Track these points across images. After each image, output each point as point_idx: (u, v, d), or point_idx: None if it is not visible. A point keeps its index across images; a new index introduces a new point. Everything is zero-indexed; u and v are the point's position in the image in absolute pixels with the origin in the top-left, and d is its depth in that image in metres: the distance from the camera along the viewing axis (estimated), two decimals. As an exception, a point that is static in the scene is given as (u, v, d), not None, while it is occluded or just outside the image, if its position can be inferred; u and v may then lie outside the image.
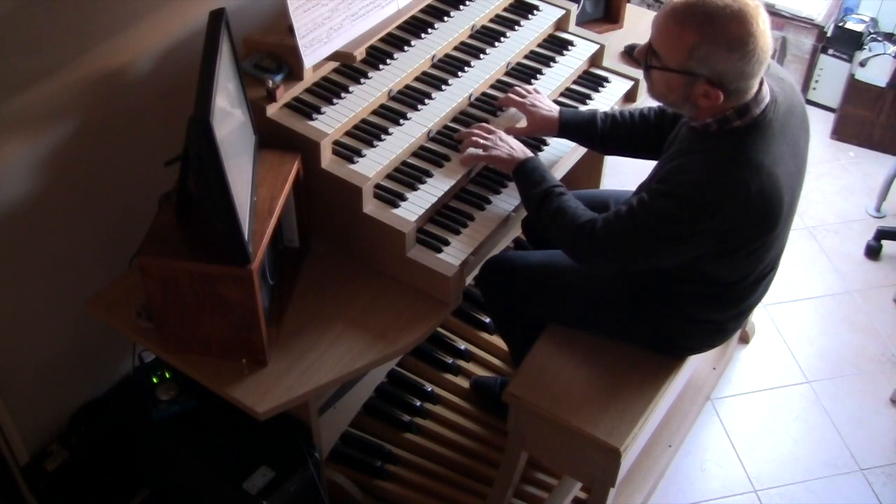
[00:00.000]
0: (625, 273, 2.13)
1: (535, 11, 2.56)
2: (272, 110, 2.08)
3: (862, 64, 3.68)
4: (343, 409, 2.53)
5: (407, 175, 2.15)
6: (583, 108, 2.41)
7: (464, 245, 2.09)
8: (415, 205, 2.09)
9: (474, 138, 2.17)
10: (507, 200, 2.21)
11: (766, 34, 1.76)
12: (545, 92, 2.40)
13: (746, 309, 2.16)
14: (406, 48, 2.31)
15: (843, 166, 3.77)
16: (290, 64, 2.12)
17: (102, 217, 2.19)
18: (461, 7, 2.45)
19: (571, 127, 2.26)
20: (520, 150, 2.14)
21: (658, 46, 1.83)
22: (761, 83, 1.85)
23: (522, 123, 2.30)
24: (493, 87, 2.40)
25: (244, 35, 2.16)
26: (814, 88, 3.92)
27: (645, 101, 2.64)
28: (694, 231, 1.83)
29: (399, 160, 2.16)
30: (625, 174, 3.42)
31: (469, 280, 2.15)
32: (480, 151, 2.15)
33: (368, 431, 2.62)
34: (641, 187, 2.09)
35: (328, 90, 2.16)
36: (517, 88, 2.33)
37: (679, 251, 1.89)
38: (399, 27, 2.33)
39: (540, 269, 2.23)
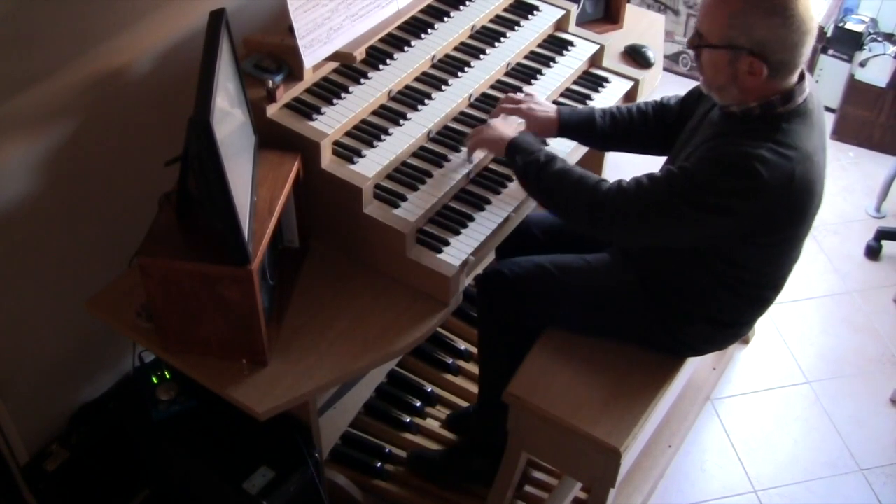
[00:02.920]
0: (644, 270, 2.11)
1: (535, 12, 2.56)
2: (272, 110, 2.09)
3: (862, 64, 3.68)
4: (343, 409, 2.53)
5: (407, 175, 2.15)
6: (581, 106, 2.40)
7: (464, 245, 2.09)
8: (415, 205, 2.09)
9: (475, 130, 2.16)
10: (507, 200, 2.21)
11: (806, 3, 1.76)
12: (546, 92, 2.41)
13: (765, 308, 2.16)
14: (406, 48, 2.31)
15: (843, 166, 3.77)
16: (290, 64, 2.12)
17: (102, 217, 2.19)
18: (461, 7, 2.45)
19: (571, 126, 2.24)
20: (513, 130, 2.10)
21: (701, 26, 1.84)
22: (802, 75, 1.85)
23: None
24: (493, 87, 2.40)
25: (244, 35, 2.16)
26: (814, 89, 3.92)
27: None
28: (730, 205, 1.80)
29: (399, 160, 2.16)
30: (625, 174, 3.41)
31: (469, 280, 2.15)
32: (473, 137, 2.12)
33: (368, 431, 2.62)
34: None
35: (328, 90, 2.17)
36: (510, 95, 2.31)
37: (712, 223, 1.84)
38: (399, 27, 2.34)
39: (541, 270, 2.22)
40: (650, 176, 1.90)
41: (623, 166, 3.42)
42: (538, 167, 1.99)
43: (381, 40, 2.29)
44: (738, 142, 1.81)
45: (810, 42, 1.80)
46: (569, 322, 2.21)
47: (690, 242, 1.94)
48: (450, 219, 2.15)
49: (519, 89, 2.39)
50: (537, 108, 2.25)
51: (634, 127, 2.21)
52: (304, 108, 2.11)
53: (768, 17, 1.74)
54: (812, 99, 1.88)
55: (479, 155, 2.20)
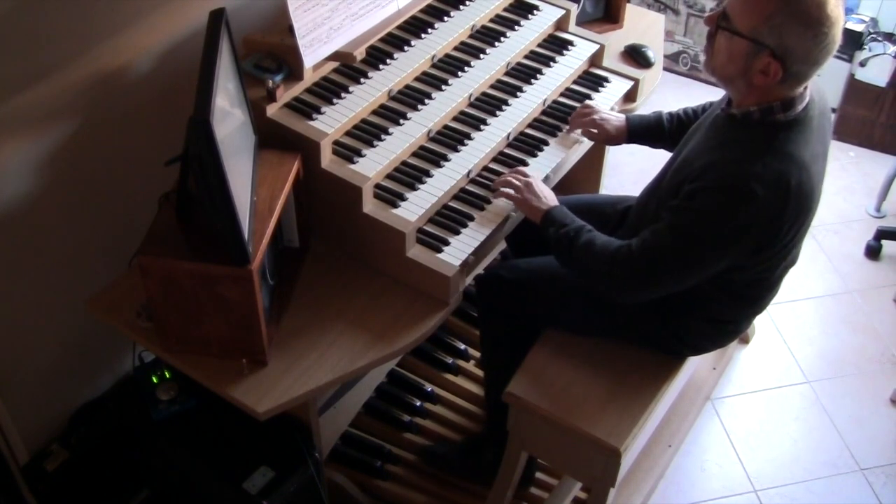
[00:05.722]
0: None
1: (535, 11, 2.56)
2: (272, 110, 2.08)
3: (862, 64, 3.68)
4: (343, 409, 2.53)
5: (407, 175, 2.15)
6: (648, 113, 2.39)
7: (464, 245, 2.09)
8: (415, 205, 2.09)
9: (510, 179, 2.15)
10: (507, 200, 2.20)
11: (839, 25, 1.75)
12: (546, 92, 2.41)
13: (762, 307, 2.16)
14: (406, 48, 2.31)
15: (843, 166, 3.77)
16: (290, 64, 2.12)
17: (102, 217, 2.19)
18: (461, 7, 2.45)
19: (640, 132, 2.31)
20: (551, 198, 2.12)
21: (733, 10, 1.80)
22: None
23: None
24: (493, 86, 2.40)
25: (244, 35, 2.16)
26: (814, 88, 3.92)
27: (646, 101, 2.65)
28: (739, 226, 1.80)
29: (399, 160, 2.16)
30: (625, 174, 3.42)
31: (469, 280, 2.15)
32: (513, 192, 2.13)
33: (368, 431, 2.62)
34: (659, 180, 2.08)
35: (328, 90, 2.16)
36: (579, 109, 2.37)
37: (725, 254, 1.86)
38: (399, 27, 2.34)
39: (541, 272, 2.21)
40: (653, 229, 1.90)
41: (623, 167, 3.42)
42: (569, 238, 2.00)
43: (381, 40, 2.29)
44: (735, 156, 1.81)
45: (827, 62, 1.80)
46: (568, 323, 2.21)
47: (709, 275, 1.93)
48: (450, 218, 2.15)
49: (519, 89, 2.40)
50: (609, 118, 2.33)
51: None
52: (304, 108, 2.11)
53: (804, 28, 1.73)
54: (813, 105, 1.88)
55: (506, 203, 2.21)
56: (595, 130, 2.33)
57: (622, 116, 2.33)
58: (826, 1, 1.72)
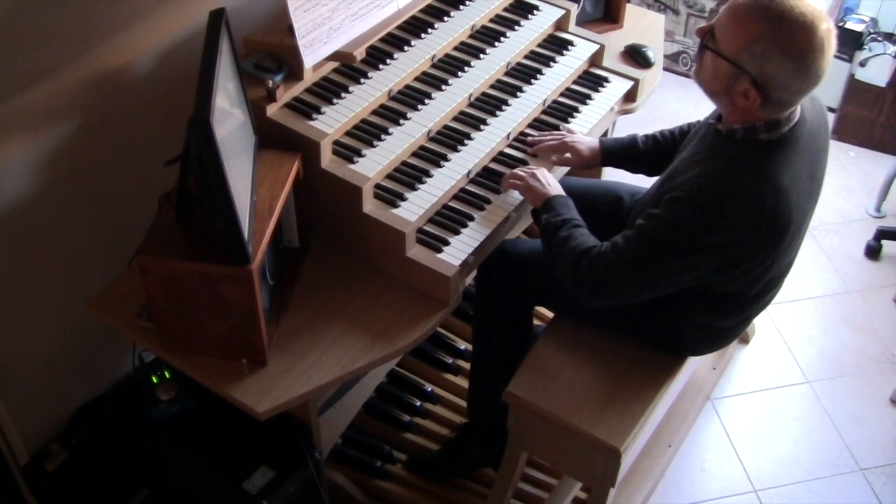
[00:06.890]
0: None
1: (535, 11, 2.56)
2: (272, 110, 2.08)
3: (862, 64, 3.68)
4: (343, 409, 2.53)
5: (407, 175, 2.15)
6: (623, 135, 2.37)
7: (464, 245, 2.09)
8: (415, 205, 2.09)
9: (517, 171, 2.16)
10: (508, 200, 2.21)
11: (827, 58, 1.73)
12: (546, 92, 2.41)
13: (750, 316, 2.15)
14: (406, 48, 2.31)
15: (843, 166, 3.77)
16: (290, 64, 2.12)
17: (102, 217, 2.19)
18: (461, 7, 2.45)
19: (615, 153, 2.28)
20: (556, 187, 2.11)
21: (719, 29, 1.79)
22: None
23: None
24: (493, 87, 2.40)
25: (244, 35, 2.16)
26: (814, 88, 3.92)
27: (646, 101, 2.65)
28: (704, 243, 1.80)
29: (399, 160, 2.16)
30: (625, 174, 3.42)
31: (469, 280, 2.15)
32: (519, 182, 2.13)
33: (368, 431, 2.62)
34: (656, 187, 2.07)
35: (328, 90, 2.16)
36: (548, 134, 2.32)
37: (686, 267, 1.85)
38: (399, 27, 2.34)
39: (543, 252, 2.21)
40: (624, 234, 1.89)
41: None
42: (555, 227, 2.00)
43: (381, 40, 2.29)
44: (713, 172, 1.80)
45: (812, 91, 1.78)
46: (564, 306, 2.21)
47: (672, 288, 1.93)
48: (450, 218, 2.15)
49: (519, 89, 2.40)
50: (581, 141, 2.28)
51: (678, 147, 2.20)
52: (304, 108, 2.11)
53: (784, 58, 1.71)
54: (802, 124, 1.85)
55: (515, 194, 2.20)
56: (568, 155, 2.28)
57: (594, 139, 2.31)
58: (815, 31, 1.70)
